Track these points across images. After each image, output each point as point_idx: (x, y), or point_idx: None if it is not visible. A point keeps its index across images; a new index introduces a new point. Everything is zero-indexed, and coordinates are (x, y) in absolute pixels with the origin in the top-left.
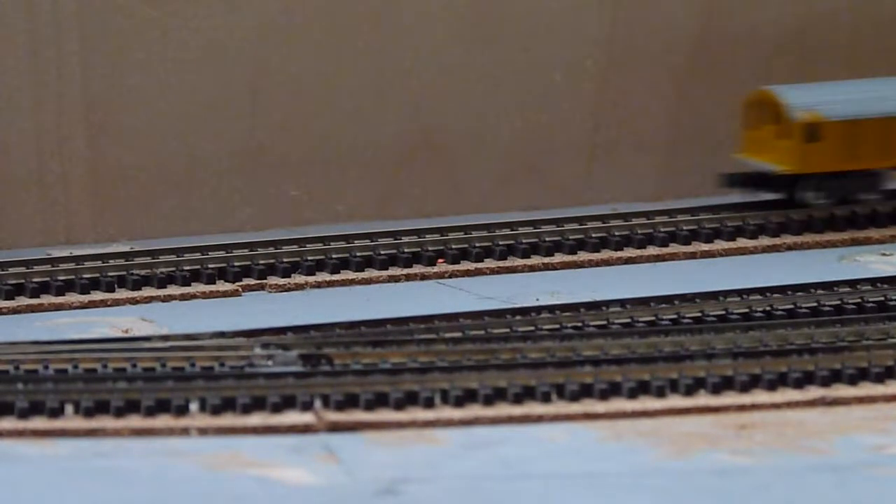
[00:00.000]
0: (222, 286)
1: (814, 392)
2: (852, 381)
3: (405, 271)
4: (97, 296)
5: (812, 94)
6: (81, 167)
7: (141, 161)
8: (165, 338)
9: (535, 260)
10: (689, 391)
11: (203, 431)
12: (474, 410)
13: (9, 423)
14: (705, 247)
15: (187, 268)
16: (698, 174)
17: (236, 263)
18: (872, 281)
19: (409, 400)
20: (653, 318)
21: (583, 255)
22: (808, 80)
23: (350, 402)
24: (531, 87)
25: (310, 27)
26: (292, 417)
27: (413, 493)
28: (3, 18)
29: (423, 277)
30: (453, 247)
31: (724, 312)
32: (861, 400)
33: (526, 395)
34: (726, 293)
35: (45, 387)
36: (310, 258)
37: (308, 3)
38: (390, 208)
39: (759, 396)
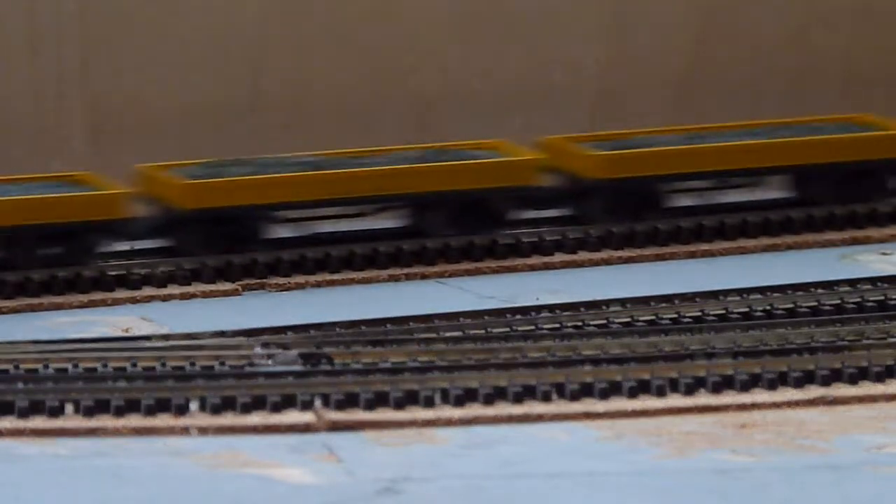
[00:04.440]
0: (222, 286)
1: (814, 391)
2: (853, 380)
3: (405, 271)
4: (97, 295)
5: None
6: (82, 168)
7: (141, 161)
8: (165, 337)
9: (535, 259)
10: (690, 390)
11: (203, 431)
12: (474, 410)
13: (9, 422)
14: (705, 246)
15: (187, 267)
16: None
17: (236, 263)
18: (873, 280)
19: (410, 399)
20: (653, 317)
21: (583, 255)
22: (810, 80)
23: (350, 401)
24: (531, 87)
25: (310, 27)
26: (292, 417)
27: (413, 491)
28: (3, 18)
29: (424, 277)
30: (453, 246)
31: (724, 312)
32: (861, 399)
33: (526, 394)
34: (726, 292)
35: (45, 386)
36: (310, 257)
37: (308, 2)
38: None
39: (760, 396)
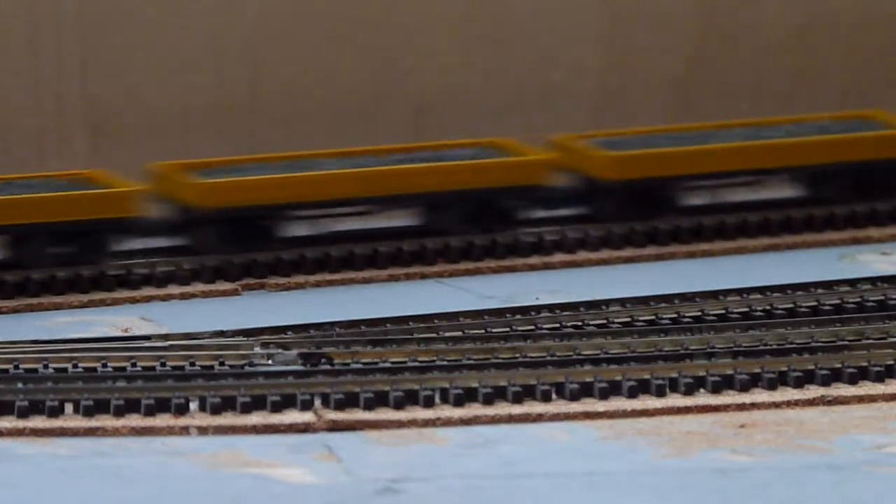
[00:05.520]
0: (222, 285)
1: (814, 391)
2: (852, 380)
3: (405, 270)
4: (97, 295)
5: None
6: (81, 167)
7: (141, 161)
8: (165, 337)
9: (535, 259)
10: (689, 390)
11: (203, 430)
12: (474, 409)
13: (8, 422)
14: (705, 246)
15: (187, 267)
16: None
17: (236, 262)
18: (872, 280)
19: (409, 399)
20: (653, 317)
21: (583, 255)
22: (810, 81)
23: (350, 401)
24: (531, 87)
25: (310, 27)
26: (292, 416)
27: (413, 491)
28: (3, 18)
29: (423, 276)
30: (453, 246)
31: (724, 311)
32: (861, 399)
33: (526, 394)
34: (726, 292)
35: (45, 386)
36: (310, 257)
37: (308, 2)
38: None
39: (759, 395)
